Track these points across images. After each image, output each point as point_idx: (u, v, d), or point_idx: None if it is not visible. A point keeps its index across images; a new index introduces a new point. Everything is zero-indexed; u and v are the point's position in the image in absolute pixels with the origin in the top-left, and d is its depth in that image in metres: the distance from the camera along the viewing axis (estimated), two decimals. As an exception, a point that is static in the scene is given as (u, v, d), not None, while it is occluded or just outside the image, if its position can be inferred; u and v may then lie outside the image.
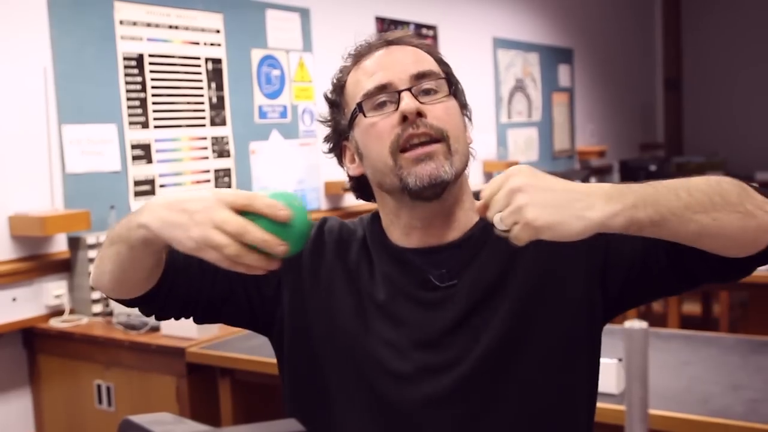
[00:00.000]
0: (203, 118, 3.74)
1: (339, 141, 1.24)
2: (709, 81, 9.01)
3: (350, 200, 4.54)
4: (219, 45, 3.82)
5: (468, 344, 1.14)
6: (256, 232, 0.91)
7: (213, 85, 3.78)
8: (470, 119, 1.23)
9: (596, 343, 1.20)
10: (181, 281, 1.15)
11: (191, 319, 1.21)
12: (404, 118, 1.12)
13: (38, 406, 3.11)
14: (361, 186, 1.26)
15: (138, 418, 0.64)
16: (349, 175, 1.26)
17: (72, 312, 3.10)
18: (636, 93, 8.61)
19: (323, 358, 1.18)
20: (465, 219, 1.20)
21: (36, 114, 3.07)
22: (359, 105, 1.16)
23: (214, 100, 3.79)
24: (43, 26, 3.09)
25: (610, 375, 1.95)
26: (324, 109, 1.27)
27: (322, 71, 4.37)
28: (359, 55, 1.22)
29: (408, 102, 1.13)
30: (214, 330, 2.77)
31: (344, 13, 4.58)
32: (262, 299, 1.20)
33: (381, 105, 1.15)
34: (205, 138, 3.74)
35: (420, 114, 1.13)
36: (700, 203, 0.96)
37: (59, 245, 3.13)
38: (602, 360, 1.25)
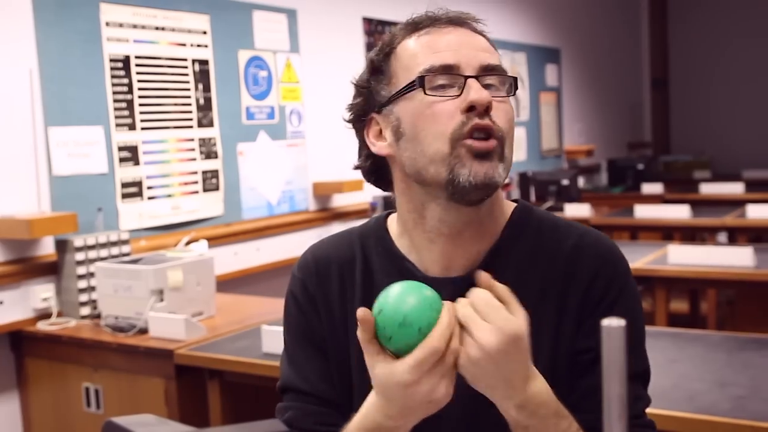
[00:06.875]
0: (190, 119, 3.73)
1: (367, 112, 1.13)
2: (695, 80, 9.06)
3: (339, 201, 4.54)
4: (206, 46, 3.81)
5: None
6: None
7: (200, 86, 3.78)
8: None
9: None
10: None
11: None
12: (471, 108, 1.04)
13: (26, 410, 3.09)
14: (378, 169, 1.17)
15: (121, 420, 0.64)
16: (366, 154, 1.17)
17: (59, 315, 3.09)
18: (623, 92, 8.64)
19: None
20: (493, 228, 1.13)
21: (22, 116, 3.05)
22: (420, 78, 1.06)
23: (202, 101, 3.78)
24: (28, 28, 3.07)
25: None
26: (360, 73, 1.16)
27: (309, 72, 4.37)
28: (418, 25, 1.11)
29: (478, 91, 1.04)
30: (203, 331, 2.76)
31: (331, 13, 4.58)
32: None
33: (441, 87, 1.06)
34: (192, 139, 3.74)
35: (488, 109, 1.04)
36: None
37: (46, 248, 3.12)
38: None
